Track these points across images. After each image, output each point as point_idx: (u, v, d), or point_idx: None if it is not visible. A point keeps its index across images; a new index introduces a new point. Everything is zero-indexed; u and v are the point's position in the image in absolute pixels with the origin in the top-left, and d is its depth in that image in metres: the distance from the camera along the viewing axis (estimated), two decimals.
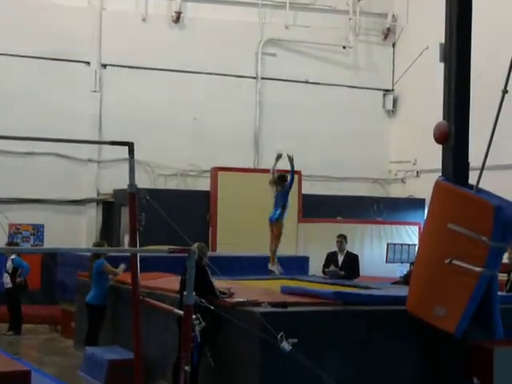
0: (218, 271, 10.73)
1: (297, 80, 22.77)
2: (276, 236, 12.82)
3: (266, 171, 20.55)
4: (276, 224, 12.82)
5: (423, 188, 16.68)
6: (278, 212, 12.73)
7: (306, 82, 22.89)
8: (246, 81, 22.29)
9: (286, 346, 8.12)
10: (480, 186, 9.50)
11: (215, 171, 19.94)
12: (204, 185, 20.58)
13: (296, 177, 20.20)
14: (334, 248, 15.10)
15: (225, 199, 19.57)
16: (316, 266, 15.79)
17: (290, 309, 9.56)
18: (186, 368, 7.41)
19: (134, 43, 20.94)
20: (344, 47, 23.49)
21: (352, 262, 14.92)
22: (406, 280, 14.12)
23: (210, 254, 14.87)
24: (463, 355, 9.92)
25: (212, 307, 9.20)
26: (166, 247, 7.79)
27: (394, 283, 14.22)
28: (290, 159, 12.82)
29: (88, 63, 20.74)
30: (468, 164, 9.92)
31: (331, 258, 14.94)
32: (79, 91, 20.50)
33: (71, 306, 15.24)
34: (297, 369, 8.66)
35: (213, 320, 9.42)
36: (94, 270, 13.13)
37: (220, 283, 10.56)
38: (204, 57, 21.57)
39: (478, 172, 9.40)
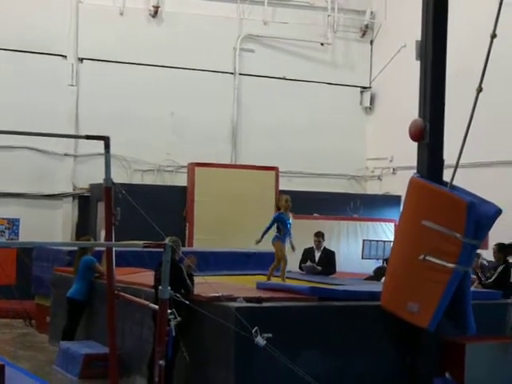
0: (194, 266, 10.73)
1: (275, 76, 22.79)
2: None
3: (243, 167, 20.78)
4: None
5: (399, 185, 16.70)
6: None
7: (284, 79, 22.91)
8: (224, 76, 22.27)
9: (260, 340, 8.14)
10: (454, 183, 9.58)
11: (192, 167, 19.93)
12: (181, 180, 20.58)
13: (273, 173, 20.48)
14: (311, 244, 15.14)
15: (202, 195, 19.58)
16: (292, 262, 15.81)
17: (265, 304, 9.62)
18: (161, 362, 7.42)
19: (111, 37, 20.85)
20: (322, 44, 23.51)
21: (329, 258, 14.98)
22: (376, 274, 14.24)
23: (186, 249, 14.97)
24: (436, 351, 10.02)
25: (187, 302, 9.20)
26: (141, 242, 7.77)
27: (367, 279, 14.31)
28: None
29: (65, 57, 20.62)
30: (443, 161, 10.00)
31: (308, 254, 14.99)
32: (56, 85, 20.36)
33: (46, 301, 15.18)
34: (271, 363, 8.71)
35: (188, 314, 9.43)
36: (80, 265, 13.09)
37: (196, 279, 10.57)
38: (182, 51, 21.53)
39: (453, 169, 9.49)
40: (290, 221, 12.89)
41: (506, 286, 12.08)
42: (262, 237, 12.75)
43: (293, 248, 12.79)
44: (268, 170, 20.46)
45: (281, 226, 12.63)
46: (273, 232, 12.93)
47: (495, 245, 13.07)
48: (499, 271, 12.43)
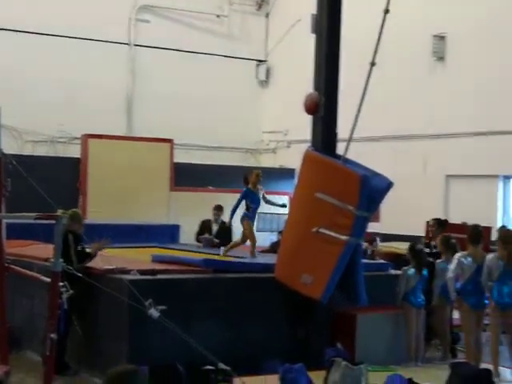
0: (88, 239, 10.59)
1: (170, 48, 22.60)
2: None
3: (137, 139, 20.57)
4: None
5: (294, 158, 16.87)
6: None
7: (180, 50, 22.73)
8: (119, 47, 21.95)
9: (154, 312, 8.09)
10: (347, 156, 9.72)
11: (85, 138, 19.62)
12: (75, 152, 20.22)
13: (168, 145, 20.35)
14: (207, 216, 15.16)
15: (95, 167, 19.31)
16: (188, 235, 15.82)
17: (159, 276, 9.60)
18: (52, 335, 7.31)
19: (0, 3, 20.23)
20: (218, 16, 23.45)
21: (226, 231, 15.03)
22: (273, 248, 14.33)
23: None
24: (329, 322, 10.19)
25: (80, 274, 9.09)
26: (33, 214, 7.60)
27: (263, 252, 14.40)
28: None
29: None
30: (336, 135, 10.12)
31: (205, 226, 15.02)
32: None
33: None
34: (166, 336, 8.68)
35: (82, 287, 9.32)
36: None
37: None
38: (75, 20, 21.05)
39: (346, 143, 9.62)
40: (261, 196, 12.18)
41: None
42: (232, 217, 12.16)
43: None
44: (163, 142, 20.32)
45: (249, 202, 12.00)
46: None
47: (433, 220, 13.12)
48: None
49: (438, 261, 11.13)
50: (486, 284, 10.06)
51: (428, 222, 13.97)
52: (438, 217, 13.81)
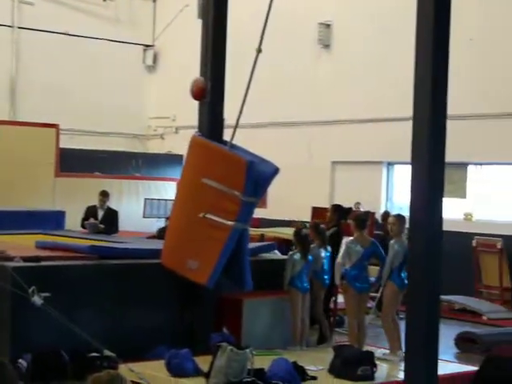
0: None
1: (55, 31, 22.16)
2: None
3: (21, 124, 20.10)
4: None
5: (181, 144, 16.83)
6: None
7: (66, 34, 22.33)
8: (2, 29, 21.41)
9: (37, 300, 7.98)
10: (234, 142, 9.76)
11: None
12: None
13: (54, 130, 19.97)
14: (94, 202, 15.00)
15: None
16: (73, 221, 15.57)
17: (43, 263, 9.44)
18: None
19: None
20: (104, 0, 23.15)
21: (111, 217, 14.93)
22: (159, 234, 14.27)
23: None
24: (215, 307, 10.23)
25: None
26: None
27: (149, 238, 14.33)
28: None
29: None
30: (223, 120, 10.15)
31: (91, 212, 14.86)
32: None
33: None
34: (49, 323, 8.55)
35: None
36: None
37: None
38: None
39: (233, 129, 9.66)
40: None
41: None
42: None
43: None
44: (48, 127, 19.89)
45: None
46: None
47: (331, 205, 13.22)
48: (331, 233, 12.28)
49: (312, 246, 11.16)
50: (389, 268, 10.19)
51: (314, 208, 14.19)
52: (323, 202, 14.07)
